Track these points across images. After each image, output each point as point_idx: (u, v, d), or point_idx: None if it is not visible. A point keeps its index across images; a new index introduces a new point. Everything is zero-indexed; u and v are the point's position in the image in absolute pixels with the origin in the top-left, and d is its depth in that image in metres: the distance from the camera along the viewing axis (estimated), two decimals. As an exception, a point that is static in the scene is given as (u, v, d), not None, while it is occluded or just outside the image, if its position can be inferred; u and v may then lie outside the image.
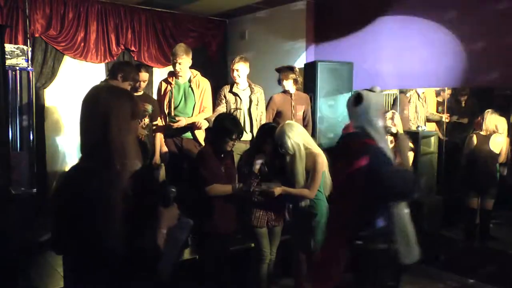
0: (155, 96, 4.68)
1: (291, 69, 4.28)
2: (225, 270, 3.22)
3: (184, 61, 3.97)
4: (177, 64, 3.96)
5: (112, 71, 3.81)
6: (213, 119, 4.01)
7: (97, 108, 1.50)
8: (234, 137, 3.06)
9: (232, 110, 4.12)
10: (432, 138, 4.29)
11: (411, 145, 3.22)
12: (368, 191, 2.16)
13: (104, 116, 1.48)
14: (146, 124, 4.21)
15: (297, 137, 3.16)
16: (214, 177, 3.02)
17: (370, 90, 2.36)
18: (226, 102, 4.20)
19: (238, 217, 3.27)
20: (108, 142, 1.47)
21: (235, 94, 4.22)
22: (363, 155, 2.20)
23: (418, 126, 4.51)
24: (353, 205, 2.23)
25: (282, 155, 3.25)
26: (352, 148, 2.31)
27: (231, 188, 3.05)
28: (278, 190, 3.11)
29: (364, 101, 2.30)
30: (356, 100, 2.33)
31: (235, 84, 4.25)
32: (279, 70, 4.35)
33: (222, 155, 3.11)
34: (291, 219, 3.37)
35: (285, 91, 4.32)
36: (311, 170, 3.17)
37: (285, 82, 4.27)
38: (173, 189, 1.78)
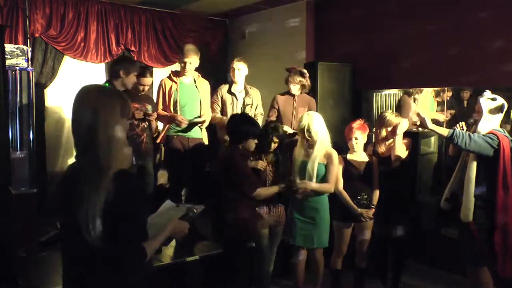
0: (154, 96, 4.67)
1: (301, 74, 4.17)
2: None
3: (194, 60, 4.01)
4: (187, 64, 3.97)
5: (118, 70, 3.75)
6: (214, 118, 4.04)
7: (87, 108, 1.50)
8: (257, 134, 3.09)
9: (242, 109, 4.17)
10: (432, 138, 4.29)
11: None
12: None
13: (93, 116, 1.48)
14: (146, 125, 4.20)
15: (323, 128, 3.33)
16: (257, 181, 3.07)
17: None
18: (222, 102, 4.23)
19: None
20: (97, 142, 1.47)
21: (233, 94, 4.24)
22: None
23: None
24: None
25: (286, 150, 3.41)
26: None
27: (278, 188, 3.13)
28: (307, 184, 3.22)
29: None
30: None
31: (233, 84, 4.27)
32: (289, 70, 4.25)
33: (248, 158, 3.18)
34: (291, 215, 3.39)
35: (289, 93, 4.25)
36: (328, 165, 3.29)
37: (291, 85, 4.18)
38: (195, 210, 1.84)
